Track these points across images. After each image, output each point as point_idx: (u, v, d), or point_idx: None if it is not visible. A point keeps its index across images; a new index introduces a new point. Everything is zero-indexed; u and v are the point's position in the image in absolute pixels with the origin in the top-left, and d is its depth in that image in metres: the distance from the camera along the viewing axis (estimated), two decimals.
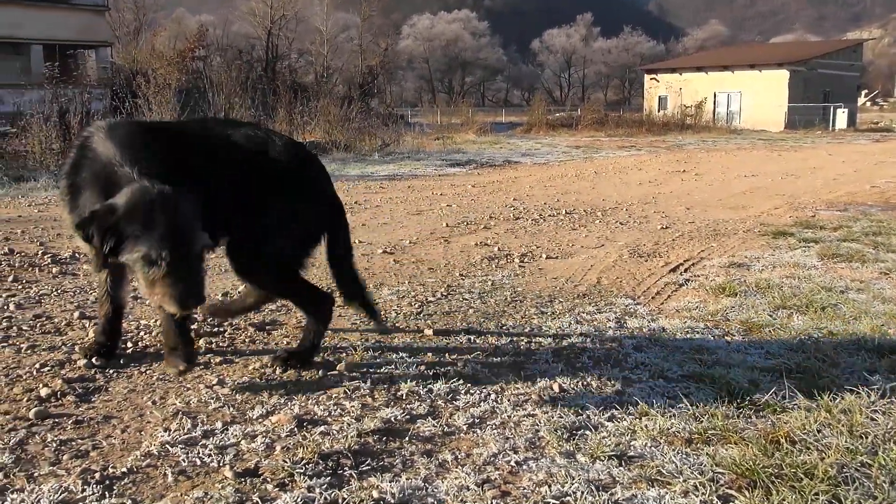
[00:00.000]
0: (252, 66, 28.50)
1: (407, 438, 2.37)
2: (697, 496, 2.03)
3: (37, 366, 2.91)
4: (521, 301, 4.11)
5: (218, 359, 3.05)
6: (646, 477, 2.13)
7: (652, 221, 7.12)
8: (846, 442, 2.31)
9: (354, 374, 2.90)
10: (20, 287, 4.17)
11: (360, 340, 3.31)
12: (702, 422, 2.48)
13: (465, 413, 2.57)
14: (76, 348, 3.09)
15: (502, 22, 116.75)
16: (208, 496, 1.99)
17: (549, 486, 2.07)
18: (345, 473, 2.13)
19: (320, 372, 2.92)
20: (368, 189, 9.92)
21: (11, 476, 2.07)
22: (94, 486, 2.02)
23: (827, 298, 4.14)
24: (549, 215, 7.44)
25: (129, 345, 3.19)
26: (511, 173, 12.66)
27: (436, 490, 2.06)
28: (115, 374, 2.86)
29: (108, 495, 1.98)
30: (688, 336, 3.50)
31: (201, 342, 3.23)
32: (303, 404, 2.61)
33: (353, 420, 2.48)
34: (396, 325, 3.59)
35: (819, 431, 2.40)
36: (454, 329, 3.55)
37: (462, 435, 2.42)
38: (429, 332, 3.48)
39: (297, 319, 3.57)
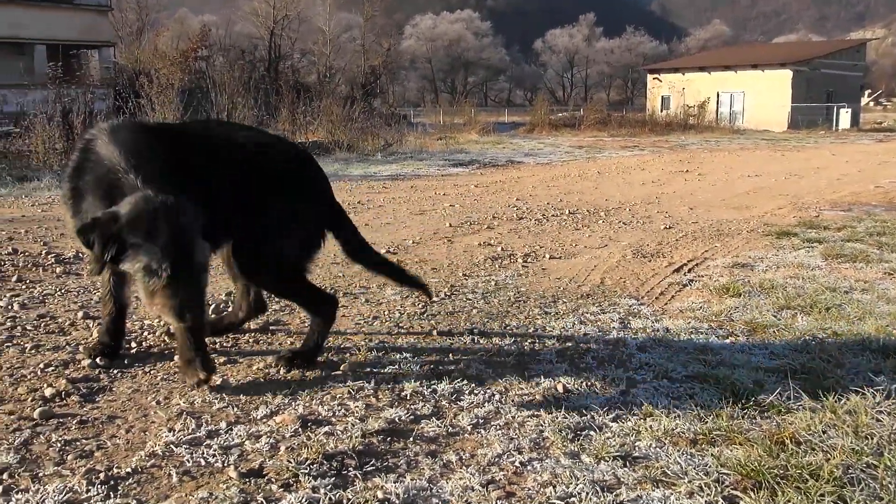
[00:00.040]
0: (255, 66, 28.56)
1: (411, 439, 2.37)
2: (702, 497, 2.02)
3: (41, 366, 2.91)
4: (524, 301, 4.10)
5: (222, 359, 3.05)
6: (650, 478, 2.12)
7: (655, 221, 7.10)
8: (851, 443, 2.30)
9: (358, 374, 2.90)
10: (24, 287, 4.17)
11: (363, 340, 3.31)
12: (706, 422, 2.48)
13: (470, 413, 2.56)
14: (80, 348, 3.09)
15: (505, 22, 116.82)
16: (213, 496, 1.99)
17: (554, 487, 2.07)
18: (349, 474, 2.13)
19: (324, 372, 2.92)
20: (371, 189, 9.93)
21: (16, 476, 2.07)
22: (99, 486, 2.02)
23: (831, 299, 4.12)
24: (553, 215, 7.43)
25: (133, 345, 3.19)
26: (514, 173, 12.65)
27: (440, 490, 2.06)
28: (119, 374, 2.86)
29: (112, 495, 1.98)
30: (692, 336, 3.49)
31: None
32: (307, 404, 2.61)
33: (358, 420, 2.48)
34: (400, 325, 3.59)
35: (824, 432, 2.39)
36: (458, 329, 3.54)
37: (466, 435, 2.41)
38: (433, 332, 3.48)
39: (300, 319, 3.57)
